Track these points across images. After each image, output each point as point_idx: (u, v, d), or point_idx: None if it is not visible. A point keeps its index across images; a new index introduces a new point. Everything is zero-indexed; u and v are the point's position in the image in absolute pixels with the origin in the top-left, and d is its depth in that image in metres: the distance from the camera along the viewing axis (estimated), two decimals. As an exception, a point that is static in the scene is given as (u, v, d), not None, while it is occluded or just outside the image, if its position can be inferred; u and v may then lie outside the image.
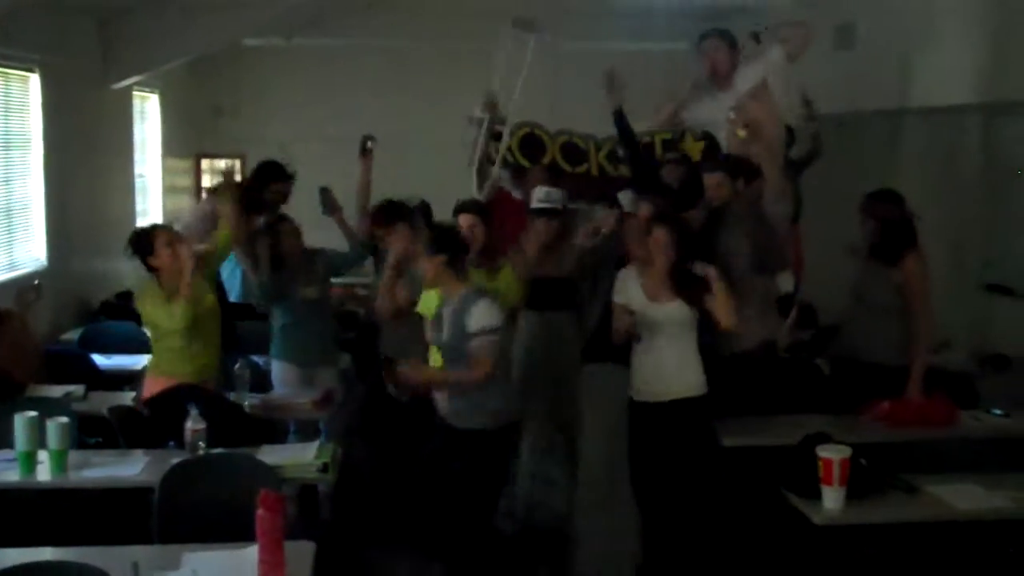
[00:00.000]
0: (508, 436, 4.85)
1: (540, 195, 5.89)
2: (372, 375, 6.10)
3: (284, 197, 6.39)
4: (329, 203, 6.37)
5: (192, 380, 5.16)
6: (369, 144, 6.27)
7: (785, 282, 5.71)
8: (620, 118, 6.39)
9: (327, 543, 3.87)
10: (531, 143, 7.25)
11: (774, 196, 5.54)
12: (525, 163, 7.17)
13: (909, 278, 5.31)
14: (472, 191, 6.84)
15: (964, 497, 4.30)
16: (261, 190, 6.28)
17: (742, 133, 5.60)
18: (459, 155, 7.34)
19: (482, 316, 4.57)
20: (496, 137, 7.01)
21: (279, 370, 6.19)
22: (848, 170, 8.14)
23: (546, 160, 7.04)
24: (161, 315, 5.20)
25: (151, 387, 5.23)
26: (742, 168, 5.58)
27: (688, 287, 4.82)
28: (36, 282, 6.86)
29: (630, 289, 4.93)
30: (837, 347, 5.66)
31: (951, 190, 7.57)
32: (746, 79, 5.86)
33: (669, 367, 4.90)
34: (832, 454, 4.14)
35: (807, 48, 5.84)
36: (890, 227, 5.36)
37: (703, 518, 4.95)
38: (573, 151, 6.99)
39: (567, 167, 7.06)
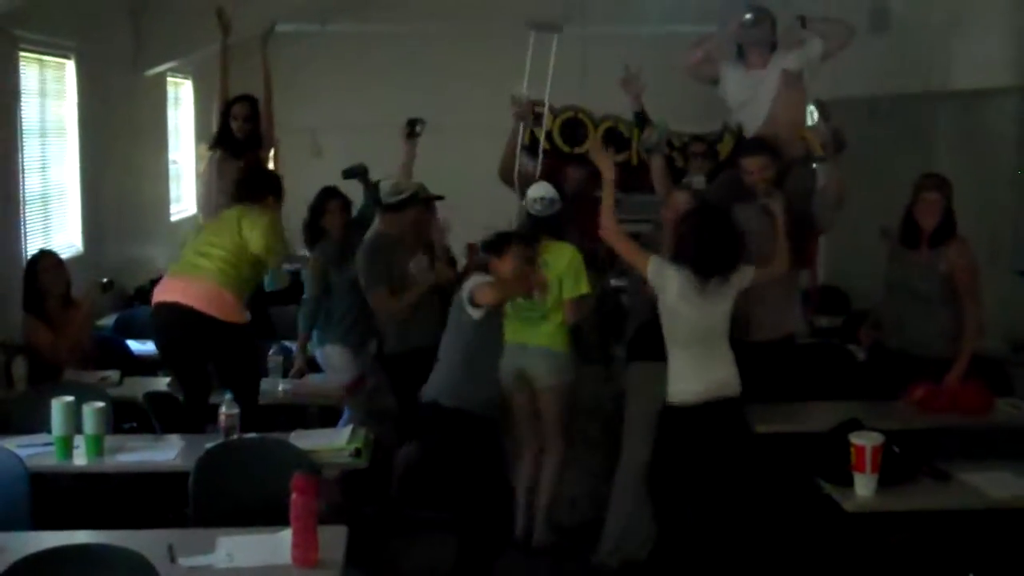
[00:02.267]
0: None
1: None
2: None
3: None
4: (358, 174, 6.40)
5: None
6: (418, 128, 6.23)
7: (803, 278, 5.73)
8: (641, 121, 6.38)
9: (359, 526, 3.90)
10: (573, 127, 7.22)
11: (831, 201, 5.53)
12: (566, 148, 7.15)
13: (958, 266, 5.21)
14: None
15: (997, 485, 4.27)
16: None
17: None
18: (495, 139, 7.34)
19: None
20: (537, 120, 7.01)
21: (335, 354, 6.20)
22: (881, 154, 8.08)
23: (587, 146, 7.00)
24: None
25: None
26: (778, 153, 5.53)
27: None
28: (106, 280, 6.93)
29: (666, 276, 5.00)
30: (883, 339, 5.57)
31: (985, 174, 7.49)
32: (783, 62, 5.77)
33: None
34: (864, 441, 4.12)
35: (842, 50, 5.76)
36: (949, 212, 5.31)
37: (733, 500, 4.95)
38: (616, 138, 6.96)
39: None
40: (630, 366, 5.40)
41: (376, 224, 6.05)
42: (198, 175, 10.42)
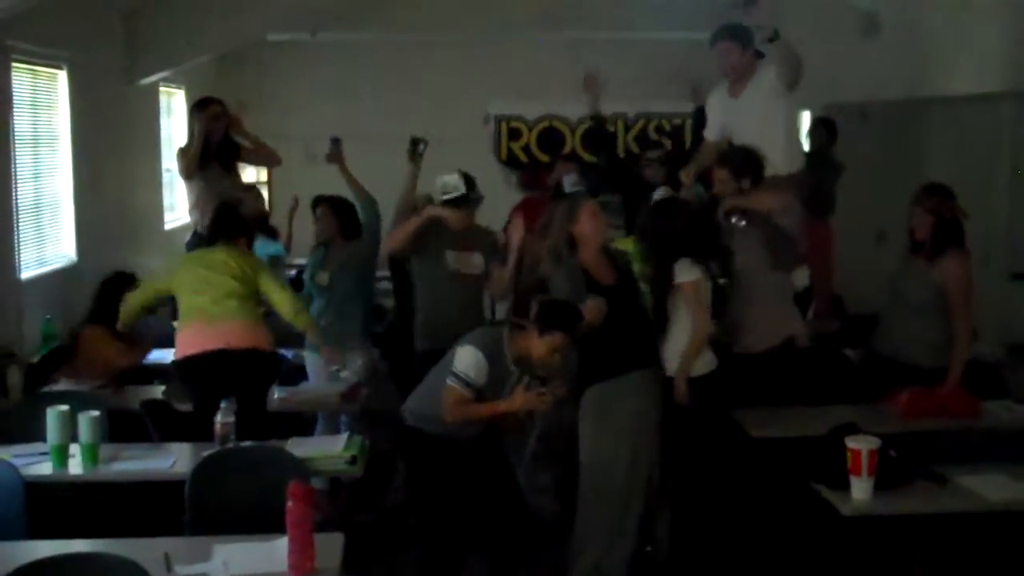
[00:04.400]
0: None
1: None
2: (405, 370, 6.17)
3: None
4: (335, 152, 6.36)
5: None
6: (420, 147, 6.22)
7: (800, 278, 5.71)
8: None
9: (356, 534, 3.89)
10: (550, 136, 7.25)
11: (778, 213, 5.51)
12: (544, 157, 7.17)
13: (951, 279, 5.20)
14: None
15: (994, 488, 4.27)
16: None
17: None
18: (483, 148, 7.36)
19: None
20: (513, 136, 7.04)
21: (307, 359, 6.28)
22: (874, 159, 8.11)
23: (566, 151, 7.02)
24: None
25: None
26: (750, 167, 5.53)
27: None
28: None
29: None
30: (875, 345, 5.58)
31: (978, 178, 7.52)
32: (757, 89, 5.75)
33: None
34: (860, 445, 4.12)
35: (799, 76, 5.73)
36: (943, 224, 5.29)
37: (730, 506, 4.95)
38: (598, 136, 6.95)
39: (588, 156, 7.03)
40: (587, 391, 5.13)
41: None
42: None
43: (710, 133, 6.05)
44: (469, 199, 5.66)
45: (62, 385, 5.68)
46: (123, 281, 6.09)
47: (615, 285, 4.99)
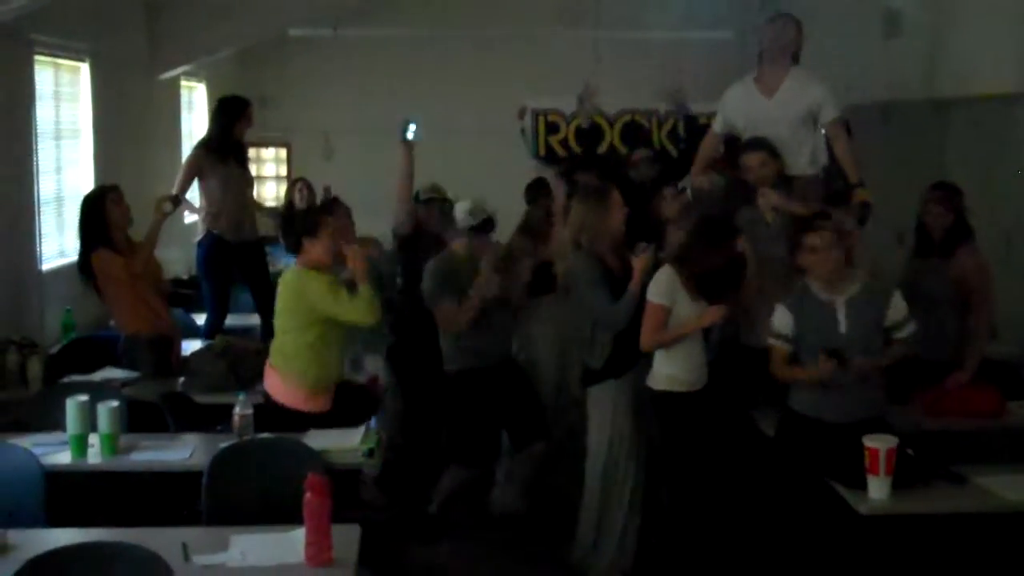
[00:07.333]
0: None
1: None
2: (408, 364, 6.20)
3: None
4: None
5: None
6: (410, 134, 6.20)
7: None
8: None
9: (370, 525, 3.91)
10: (588, 131, 7.22)
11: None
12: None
13: (974, 273, 5.26)
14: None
15: (1012, 488, 4.25)
16: None
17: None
18: (504, 145, 7.35)
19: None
20: (551, 130, 7.04)
21: None
22: (894, 160, 8.07)
23: (604, 147, 7.01)
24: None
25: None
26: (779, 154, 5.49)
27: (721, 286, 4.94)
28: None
29: (677, 291, 4.90)
30: None
31: (998, 179, 7.49)
32: (797, 96, 5.64)
33: (701, 359, 4.99)
34: (878, 444, 4.11)
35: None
36: (960, 220, 5.34)
37: (746, 506, 4.95)
38: (635, 131, 6.94)
39: (626, 150, 7.03)
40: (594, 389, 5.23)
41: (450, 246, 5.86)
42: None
43: (717, 127, 5.97)
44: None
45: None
46: (104, 194, 6.03)
47: (624, 277, 5.03)
